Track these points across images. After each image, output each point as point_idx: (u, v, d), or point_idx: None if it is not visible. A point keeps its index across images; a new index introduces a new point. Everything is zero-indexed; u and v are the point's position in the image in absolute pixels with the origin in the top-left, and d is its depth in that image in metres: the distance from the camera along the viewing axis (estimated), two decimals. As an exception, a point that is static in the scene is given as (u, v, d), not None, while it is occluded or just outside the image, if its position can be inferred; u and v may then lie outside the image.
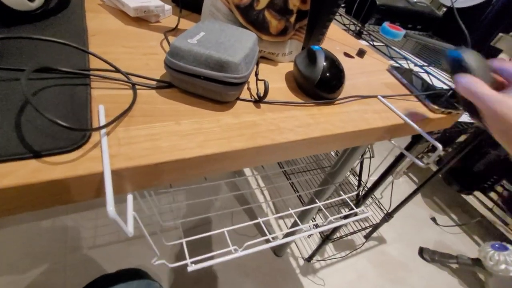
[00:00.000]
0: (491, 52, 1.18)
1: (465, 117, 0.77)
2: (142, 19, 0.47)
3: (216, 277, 0.98)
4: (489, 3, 0.89)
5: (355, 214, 0.61)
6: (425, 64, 0.68)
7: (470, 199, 1.61)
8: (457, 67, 0.30)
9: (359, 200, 0.91)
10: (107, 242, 0.96)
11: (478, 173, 1.40)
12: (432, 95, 0.52)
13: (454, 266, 1.30)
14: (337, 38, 0.68)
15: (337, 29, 0.76)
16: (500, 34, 1.11)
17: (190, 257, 0.38)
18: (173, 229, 1.02)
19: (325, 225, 0.53)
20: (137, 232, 1.02)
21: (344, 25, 0.79)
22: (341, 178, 0.79)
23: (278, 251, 1.11)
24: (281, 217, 1.25)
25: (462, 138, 1.51)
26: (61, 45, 0.33)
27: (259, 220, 0.49)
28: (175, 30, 0.46)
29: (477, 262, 1.20)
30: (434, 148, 1.60)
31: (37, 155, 0.22)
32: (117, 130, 0.26)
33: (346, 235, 1.12)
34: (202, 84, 0.31)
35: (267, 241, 0.44)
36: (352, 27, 0.80)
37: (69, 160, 0.23)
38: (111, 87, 0.31)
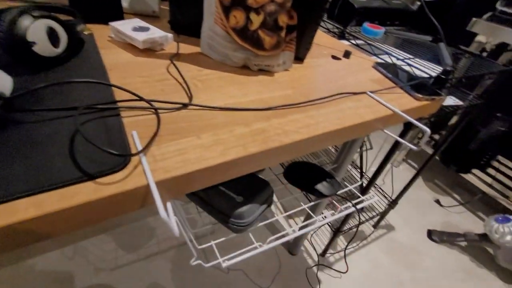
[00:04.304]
0: (468, 36, 1.25)
1: (450, 101, 0.82)
2: (149, 49, 0.52)
3: (237, 281, 1.01)
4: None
5: (362, 202, 0.65)
6: (410, 56, 0.73)
7: (469, 177, 1.66)
8: None
9: (363, 190, 0.96)
10: (128, 262, 1.00)
11: (473, 152, 1.46)
12: (415, 85, 0.57)
13: (463, 244, 1.34)
14: (324, 43, 0.74)
15: (323, 34, 0.82)
16: (474, 19, 1.18)
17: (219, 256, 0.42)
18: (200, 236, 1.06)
19: (337, 214, 0.58)
20: (155, 249, 1.06)
21: (328, 29, 0.85)
22: (344, 171, 0.84)
23: (293, 249, 1.15)
24: (290, 217, 1.29)
25: (454, 120, 1.57)
26: (89, 83, 0.37)
27: (276, 218, 0.54)
28: (177, 56, 0.52)
29: (484, 237, 1.24)
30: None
31: (92, 177, 0.27)
32: (151, 149, 0.31)
33: (356, 225, 1.16)
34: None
35: (281, 236, 0.48)
36: (335, 30, 0.86)
37: (119, 179, 0.27)
38: (138, 114, 0.36)
